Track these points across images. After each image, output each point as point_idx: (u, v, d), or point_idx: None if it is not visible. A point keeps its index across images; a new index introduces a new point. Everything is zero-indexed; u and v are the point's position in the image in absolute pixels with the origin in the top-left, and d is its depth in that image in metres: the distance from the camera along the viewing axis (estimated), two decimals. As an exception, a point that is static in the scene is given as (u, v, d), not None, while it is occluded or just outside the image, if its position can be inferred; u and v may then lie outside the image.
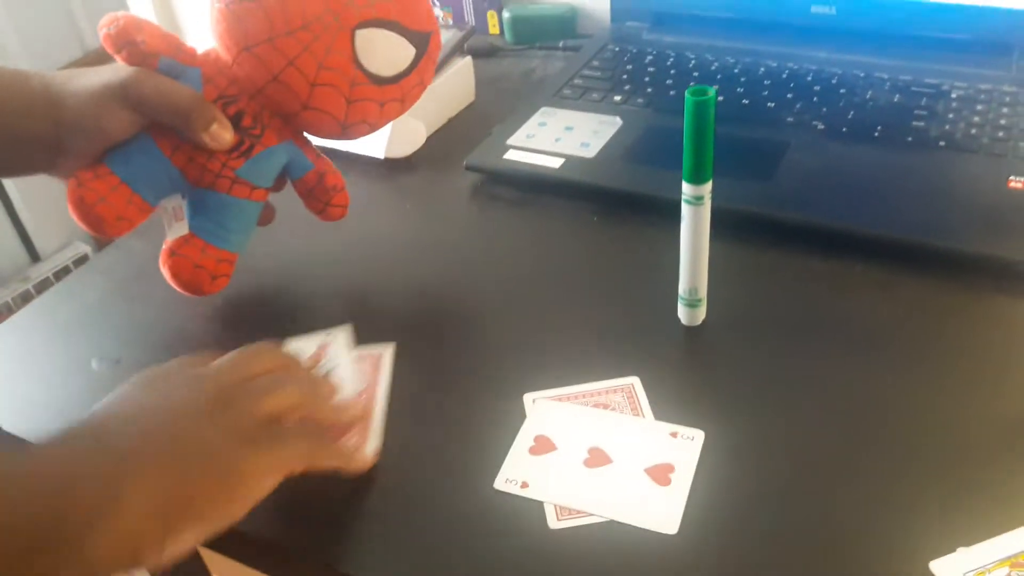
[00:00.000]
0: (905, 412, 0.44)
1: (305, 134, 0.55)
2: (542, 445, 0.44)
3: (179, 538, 0.35)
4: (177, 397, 0.39)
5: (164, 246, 0.53)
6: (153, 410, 0.38)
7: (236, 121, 0.51)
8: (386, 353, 0.51)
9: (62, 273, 1.73)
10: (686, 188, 0.44)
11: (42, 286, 1.66)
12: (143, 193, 0.52)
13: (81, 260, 1.82)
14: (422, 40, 0.54)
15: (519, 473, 0.43)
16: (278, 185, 0.56)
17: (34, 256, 1.79)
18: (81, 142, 0.50)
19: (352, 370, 0.50)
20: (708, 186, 0.44)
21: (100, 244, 1.85)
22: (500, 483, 0.42)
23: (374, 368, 0.50)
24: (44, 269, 1.75)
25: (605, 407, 0.46)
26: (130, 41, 0.50)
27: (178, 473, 0.36)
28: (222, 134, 0.50)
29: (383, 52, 0.52)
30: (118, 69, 0.50)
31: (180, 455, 0.36)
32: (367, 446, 0.45)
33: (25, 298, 1.65)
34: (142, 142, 0.51)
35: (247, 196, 0.53)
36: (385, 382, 0.49)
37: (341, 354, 0.51)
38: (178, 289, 0.53)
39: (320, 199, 0.55)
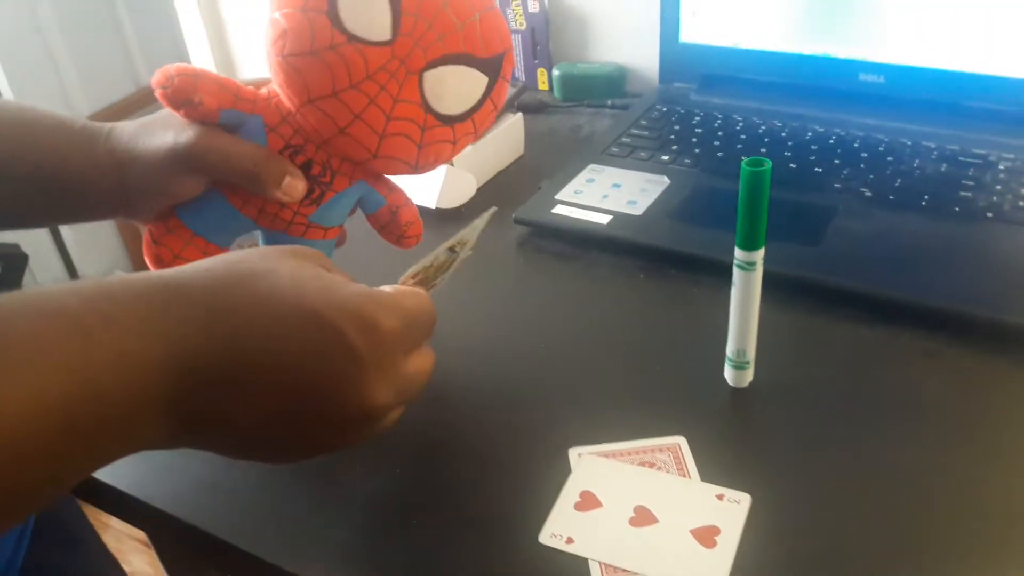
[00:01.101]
0: (950, 486, 0.44)
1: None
2: (588, 501, 0.44)
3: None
4: (322, 369, 0.35)
5: None
6: (288, 368, 0.34)
7: (305, 170, 0.50)
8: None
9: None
10: (739, 254, 0.45)
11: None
12: (217, 242, 0.53)
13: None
14: (494, 65, 0.50)
15: (564, 528, 0.43)
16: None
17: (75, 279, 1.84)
18: (148, 203, 0.51)
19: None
20: (760, 252, 0.45)
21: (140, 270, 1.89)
22: (545, 537, 0.43)
23: None
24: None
25: (651, 466, 0.46)
26: (187, 101, 0.48)
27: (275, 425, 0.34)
28: (295, 186, 0.49)
29: (454, 90, 0.49)
30: (181, 130, 0.48)
31: (284, 417, 0.34)
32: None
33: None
34: (212, 196, 0.51)
35: (322, 237, 0.53)
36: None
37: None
38: None
39: (394, 232, 0.55)
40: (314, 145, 0.50)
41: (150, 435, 0.33)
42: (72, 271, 1.82)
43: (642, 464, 0.46)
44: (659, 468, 0.46)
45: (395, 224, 0.55)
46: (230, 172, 0.49)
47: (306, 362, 0.34)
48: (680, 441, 0.48)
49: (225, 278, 0.35)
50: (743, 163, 0.42)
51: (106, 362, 0.30)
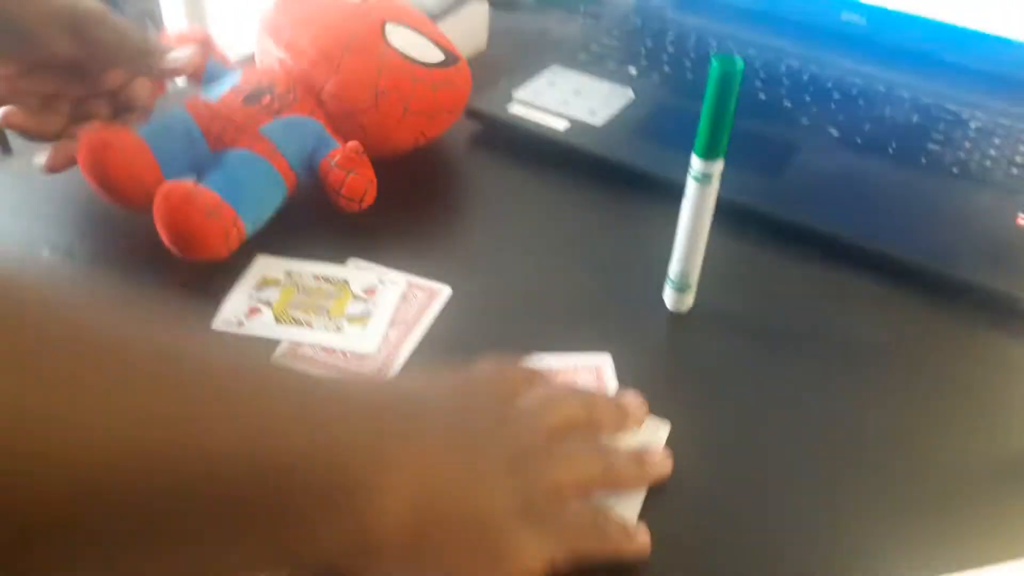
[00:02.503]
0: (884, 435, 0.42)
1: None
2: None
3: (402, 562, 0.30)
4: (477, 438, 0.34)
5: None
6: (447, 433, 0.33)
7: (270, 89, 0.53)
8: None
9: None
10: (695, 163, 0.42)
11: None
12: (160, 158, 0.49)
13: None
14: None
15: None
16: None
17: (6, 149, 1.73)
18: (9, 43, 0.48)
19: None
20: (719, 164, 0.42)
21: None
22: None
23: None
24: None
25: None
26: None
27: (440, 511, 0.31)
28: (180, 57, 0.52)
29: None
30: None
31: (453, 498, 0.31)
32: (633, 512, 0.38)
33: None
34: (177, 113, 0.52)
35: (268, 156, 0.51)
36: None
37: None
38: (168, 239, 0.48)
39: (331, 187, 0.53)
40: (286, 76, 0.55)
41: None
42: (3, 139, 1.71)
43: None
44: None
45: (332, 177, 0.52)
46: (119, 44, 0.50)
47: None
48: (605, 360, 0.45)
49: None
50: (713, 58, 0.38)
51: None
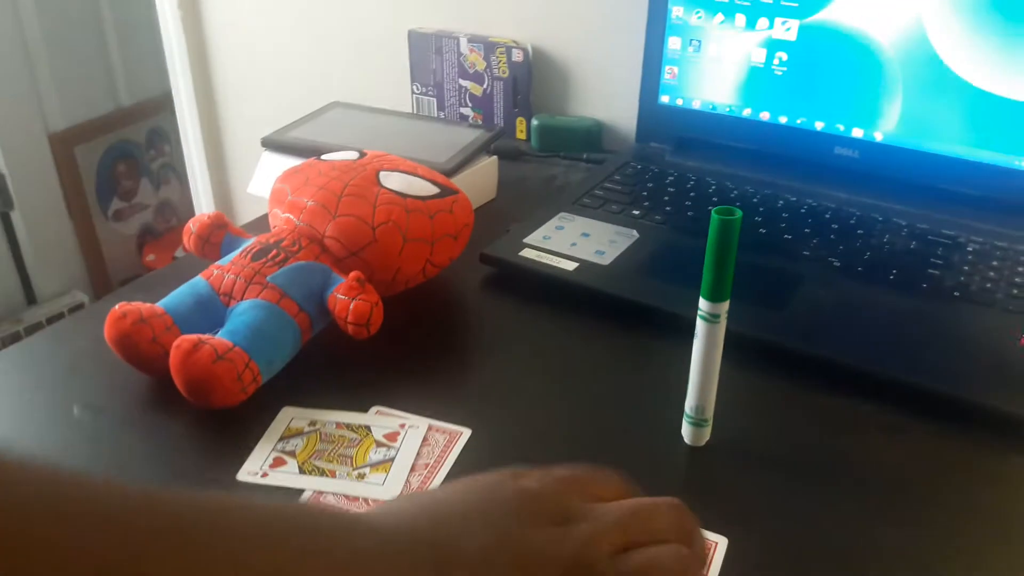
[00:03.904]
0: (901, 561, 0.42)
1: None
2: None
3: None
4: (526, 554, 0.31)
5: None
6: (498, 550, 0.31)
7: (277, 243, 0.57)
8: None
9: (56, 319, 1.73)
10: (703, 304, 0.44)
11: (33, 330, 1.66)
12: (181, 327, 0.53)
13: (77, 308, 1.81)
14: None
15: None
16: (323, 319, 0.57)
17: (31, 299, 1.78)
18: None
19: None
20: (725, 305, 0.44)
21: (98, 295, 1.85)
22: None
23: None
24: (39, 313, 1.74)
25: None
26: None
27: None
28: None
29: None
30: None
31: None
32: None
33: (15, 340, 1.63)
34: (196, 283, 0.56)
35: (276, 302, 0.54)
36: None
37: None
38: (183, 388, 0.50)
39: (339, 317, 0.55)
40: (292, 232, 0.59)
41: None
42: (29, 291, 1.77)
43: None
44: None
45: (339, 307, 0.55)
46: None
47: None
48: (629, 497, 0.45)
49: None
50: (713, 211, 0.41)
51: None
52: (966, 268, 0.66)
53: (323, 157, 0.65)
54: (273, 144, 0.80)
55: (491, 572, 0.31)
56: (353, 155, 0.64)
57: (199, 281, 0.56)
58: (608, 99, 0.97)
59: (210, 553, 0.26)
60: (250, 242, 0.58)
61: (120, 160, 1.92)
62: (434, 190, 0.62)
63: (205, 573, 0.25)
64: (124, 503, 0.25)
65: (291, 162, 0.70)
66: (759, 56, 0.81)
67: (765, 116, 0.83)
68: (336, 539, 0.29)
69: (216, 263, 0.57)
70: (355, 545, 0.30)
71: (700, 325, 0.45)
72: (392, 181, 0.61)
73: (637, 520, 0.33)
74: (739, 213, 0.41)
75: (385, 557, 0.30)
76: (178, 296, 0.55)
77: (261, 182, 0.79)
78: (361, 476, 0.47)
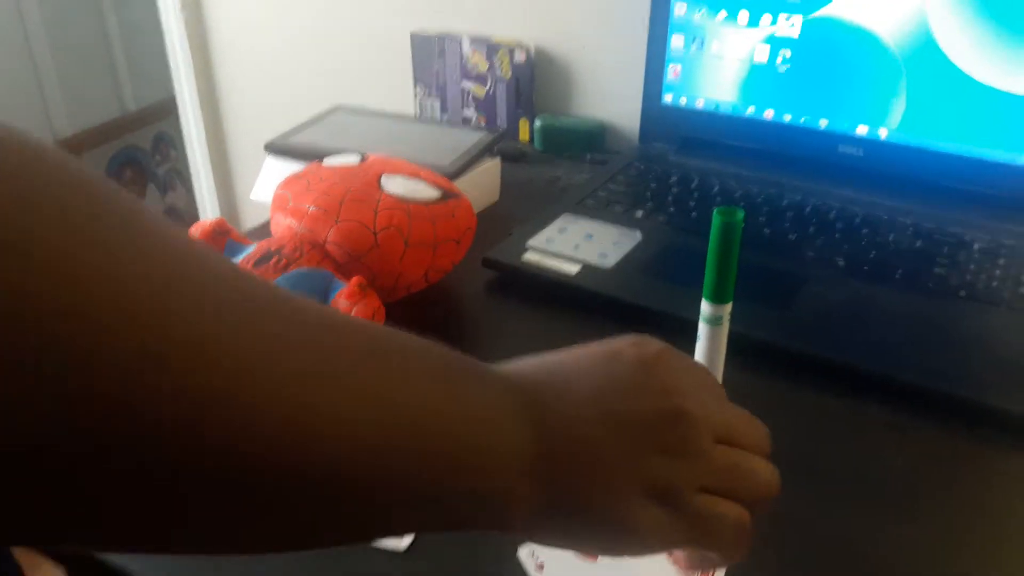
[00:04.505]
0: (912, 564, 0.42)
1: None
2: (531, 559, 0.42)
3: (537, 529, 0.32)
4: (635, 412, 0.32)
5: None
6: (608, 407, 0.32)
7: (279, 249, 0.57)
8: None
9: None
10: (705, 307, 0.43)
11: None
12: None
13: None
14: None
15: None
16: None
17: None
18: None
19: None
20: (728, 307, 0.43)
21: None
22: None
23: None
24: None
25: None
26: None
27: (572, 479, 0.31)
28: None
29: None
30: None
31: (586, 461, 0.31)
32: None
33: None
34: None
35: None
36: None
37: None
38: None
39: None
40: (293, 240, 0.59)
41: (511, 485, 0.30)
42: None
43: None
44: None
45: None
46: None
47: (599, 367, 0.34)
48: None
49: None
50: (715, 212, 0.40)
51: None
52: (972, 267, 0.65)
53: (325, 162, 0.65)
54: (276, 149, 0.80)
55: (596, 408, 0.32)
56: (355, 159, 0.64)
57: None
58: (611, 99, 0.97)
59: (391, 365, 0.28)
60: (252, 248, 0.58)
61: (127, 166, 1.93)
62: (436, 194, 0.62)
63: (389, 378, 0.28)
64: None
65: (294, 167, 0.70)
66: (762, 53, 0.81)
67: (769, 114, 0.82)
68: (473, 371, 0.32)
69: None
70: (483, 376, 0.32)
71: (702, 328, 0.44)
72: (394, 185, 0.61)
73: (732, 477, 0.34)
74: (741, 213, 0.40)
75: (496, 397, 0.31)
76: None
77: (264, 187, 0.79)
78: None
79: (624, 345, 0.35)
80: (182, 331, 0.22)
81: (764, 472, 0.35)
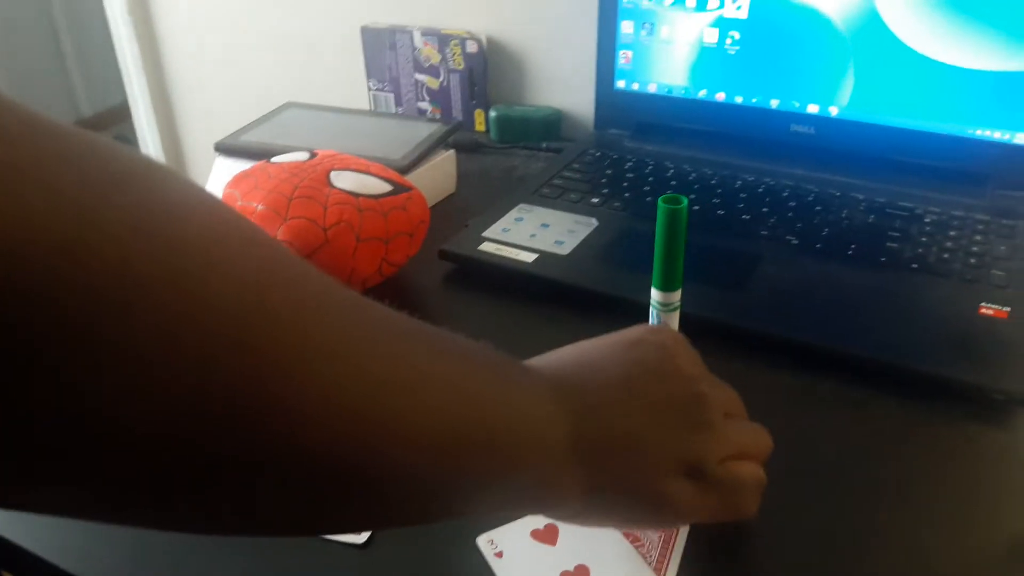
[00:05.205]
0: (877, 537, 0.42)
1: None
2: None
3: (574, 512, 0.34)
4: (663, 396, 0.36)
5: None
6: (625, 383, 0.35)
7: None
8: None
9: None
10: (655, 295, 0.43)
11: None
12: None
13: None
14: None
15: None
16: None
17: None
18: None
19: None
20: (678, 294, 0.43)
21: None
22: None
23: None
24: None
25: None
26: None
27: (611, 462, 0.34)
28: None
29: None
30: None
31: (624, 444, 0.34)
32: None
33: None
34: None
35: None
36: None
37: None
38: None
39: None
40: None
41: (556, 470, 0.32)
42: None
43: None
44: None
45: None
46: None
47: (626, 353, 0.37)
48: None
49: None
50: (659, 200, 0.40)
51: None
52: (924, 239, 0.66)
53: (273, 159, 0.64)
54: (226, 149, 0.79)
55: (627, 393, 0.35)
56: (304, 156, 0.64)
57: None
58: (565, 87, 0.97)
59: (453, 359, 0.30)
60: None
61: (82, 171, 1.89)
62: (387, 188, 0.61)
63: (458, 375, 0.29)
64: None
65: (244, 166, 0.69)
66: (711, 36, 0.81)
67: (721, 97, 0.82)
68: (517, 366, 0.35)
69: None
70: (526, 371, 0.35)
71: (653, 316, 0.44)
72: (343, 181, 0.60)
73: (746, 440, 0.39)
74: (684, 201, 0.40)
75: (532, 387, 0.33)
76: None
77: (214, 188, 0.78)
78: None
79: (642, 333, 0.38)
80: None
81: (761, 432, 0.41)
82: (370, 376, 0.25)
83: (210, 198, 0.24)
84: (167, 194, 0.22)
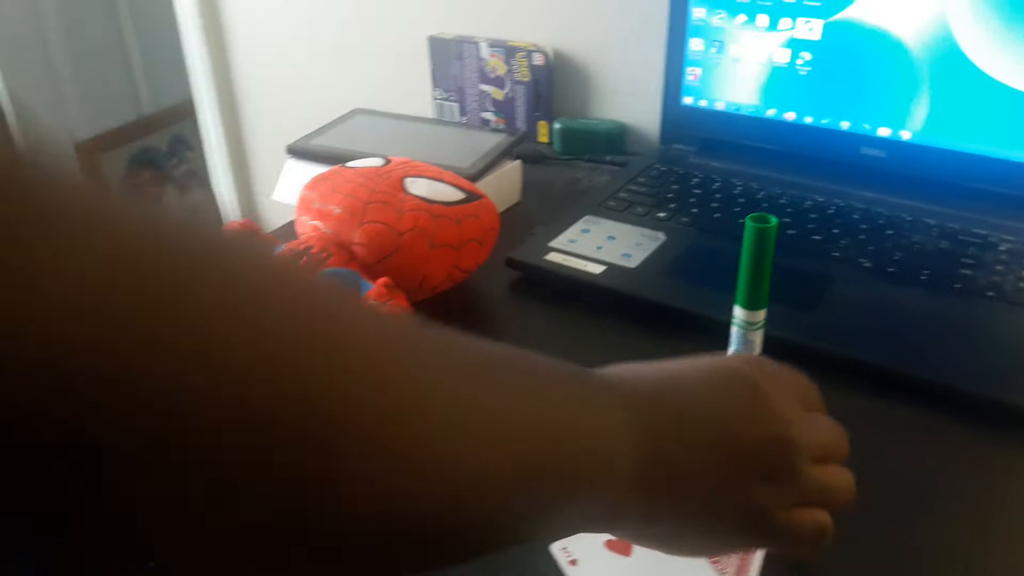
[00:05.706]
0: (936, 566, 0.42)
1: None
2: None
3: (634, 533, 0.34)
4: (742, 436, 0.33)
5: None
6: (713, 421, 0.33)
7: (306, 252, 0.58)
8: None
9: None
10: (739, 312, 0.43)
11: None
12: None
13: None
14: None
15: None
16: None
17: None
18: None
19: None
20: (762, 313, 0.43)
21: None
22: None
23: None
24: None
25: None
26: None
27: (671, 496, 0.32)
28: None
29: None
30: None
31: (685, 480, 0.32)
32: None
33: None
34: None
35: None
36: None
37: None
38: None
39: None
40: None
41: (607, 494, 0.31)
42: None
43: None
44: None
45: None
46: None
47: (712, 397, 0.35)
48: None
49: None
50: (748, 219, 0.40)
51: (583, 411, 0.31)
52: (999, 267, 0.65)
53: (348, 164, 0.65)
54: (298, 151, 0.80)
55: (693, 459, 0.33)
56: (378, 162, 0.65)
57: None
58: (630, 101, 0.97)
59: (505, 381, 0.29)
60: (280, 249, 0.59)
61: (145, 167, 1.94)
62: (459, 195, 0.62)
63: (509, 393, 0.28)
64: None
65: (314, 169, 0.70)
66: (782, 56, 0.81)
67: (790, 116, 0.82)
68: (591, 384, 0.33)
69: None
70: (601, 390, 0.34)
71: (735, 333, 0.44)
72: (418, 187, 0.61)
73: (822, 495, 0.35)
74: (775, 220, 0.40)
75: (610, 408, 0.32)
76: None
77: (285, 189, 0.79)
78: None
79: (738, 363, 0.36)
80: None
81: (846, 482, 0.37)
82: (457, 429, 0.25)
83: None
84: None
